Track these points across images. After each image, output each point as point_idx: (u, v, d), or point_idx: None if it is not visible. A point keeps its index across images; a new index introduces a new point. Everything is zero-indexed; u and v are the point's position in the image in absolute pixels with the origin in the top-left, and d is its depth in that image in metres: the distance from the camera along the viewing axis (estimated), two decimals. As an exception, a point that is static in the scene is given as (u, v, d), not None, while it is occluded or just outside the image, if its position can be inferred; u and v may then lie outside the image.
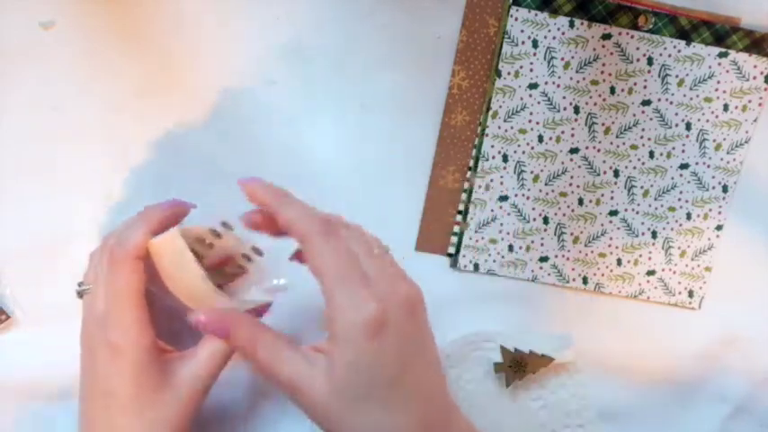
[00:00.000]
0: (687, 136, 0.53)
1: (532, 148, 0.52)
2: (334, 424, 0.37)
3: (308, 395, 0.37)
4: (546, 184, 0.52)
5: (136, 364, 0.40)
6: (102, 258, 0.42)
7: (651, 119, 0.52)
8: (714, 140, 0.53)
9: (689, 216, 0.54)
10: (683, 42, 0.51)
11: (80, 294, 0.43)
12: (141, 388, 0.41)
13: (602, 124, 0.52)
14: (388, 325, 0.36)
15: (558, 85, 0.51)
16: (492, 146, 0.52)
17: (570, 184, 0.52)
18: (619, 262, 0.54)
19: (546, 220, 0.53)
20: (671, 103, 0.52)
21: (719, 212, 0.54)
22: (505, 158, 0.52)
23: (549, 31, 0.50)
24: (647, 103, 0.52)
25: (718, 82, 0.52)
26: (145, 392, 0.41)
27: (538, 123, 0.52)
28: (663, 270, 0.54)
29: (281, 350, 0.38)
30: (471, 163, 0.52)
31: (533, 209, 0.53)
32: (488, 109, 0.51)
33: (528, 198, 0.53)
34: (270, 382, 0.39)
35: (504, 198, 0.52)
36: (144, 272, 0.42)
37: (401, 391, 0.37)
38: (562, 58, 0.51)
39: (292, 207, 0.39)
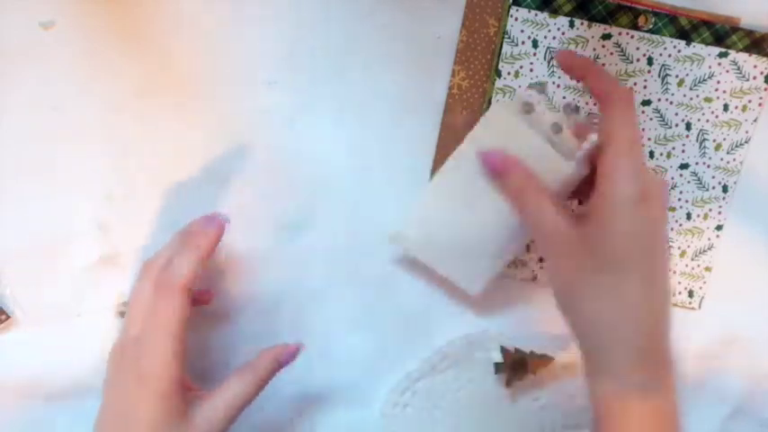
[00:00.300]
0: (687, 136, 0.53)
1: (532, 148, 0.52)
2: (580, 288, 0.41)
3: (564, 255, 0.41)
4: (546, 184, 0.52)
5: (161, 395, 0.41)
6: (146, 282, 0.42)
7: (651, 119, 0.52)
8: (714, 140, 0.53)
9: (689, 216, 0.54)
10: (683, 42, 0.51)
11: (122, 314, 0.43)
12: (161, 419, 0.41)
13: (602, 124, 0.52)
14: (650, 200, 0.40)
15: (558, 86, 0.51)
16: (492, 146, 0.52)
17: (570, 184, 0.52)
18: (619, 262, 0.54)
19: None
20: (671, 103, 0.52)
21: (719, 212, 0.54)
22: (505, 158, 0.52)
23: (549, 31, 0.50)
24: (647, 103, 0.52)
25: (718, 82, 0.52)
26: (164, 424, 0.41)
27: (538, 123, 0.52)
28: (663, 270, 0.54)
29: (546, 203, 0.42)
30: (471, 163, 0.52)
31: (533, 209, 0.53)
32: (488, 109, 0.51)
33: (528, 198, 0.53)
34: (528, 230, 0.43)
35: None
36: (189, 304, 0.42)
37: (643, 264, 0.40)
38: (562, 58, 0.51)
39: (602, 70, 0.44)
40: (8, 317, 0.48)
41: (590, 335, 0.41)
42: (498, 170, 0.44)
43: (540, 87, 0.49)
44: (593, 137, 0.43)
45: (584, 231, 0.41)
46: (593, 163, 0.43)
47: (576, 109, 0.49)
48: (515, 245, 0.49)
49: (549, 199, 0.42)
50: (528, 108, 0.45)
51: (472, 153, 0.46)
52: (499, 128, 0.46)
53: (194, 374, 0.50)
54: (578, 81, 0.46)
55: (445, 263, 0.50)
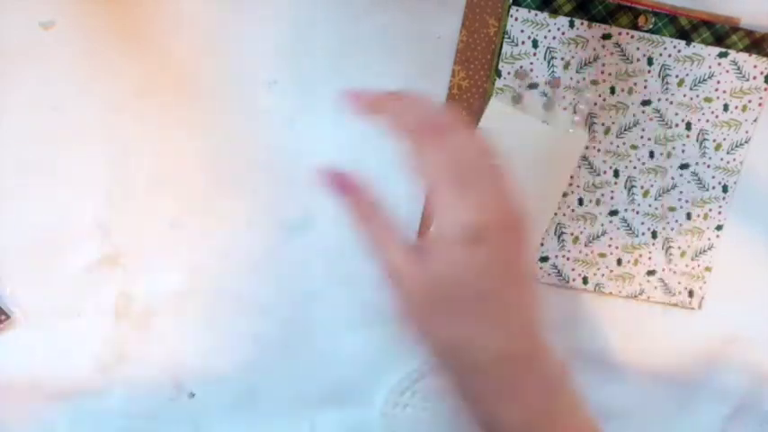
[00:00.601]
0: (687, 136, 0.53)
1: (532, 148, 0.52)
2: (421, 321, 0.37)
3: (407, 285, 0.37)
4: (546, 184, 0.53)
5: None
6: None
7: (651, 119, 0.52)
8: (714, 140, 0.53)
9: (689, 216, 0.54)
10: (683, 42, 0.51)
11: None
12: None
13: (602, 124, 0.52)
14: (487, 237, 0.35)
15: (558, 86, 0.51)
16: (492, 146, 0.52)
17: (570, 184, 0.52)
18: (619, 262, 0.54)
19: (546, 220, 0.53)
20: (671, 103, 0.52)
21: (719, 212, 0.54)
22: (505, 158, 0.52)
23: (549, 31, 0.50)
24: (647, 103, 0.52)
25: (718, 82, 0.52)
26: None
27: (538, 123, 0.52)
28: (663, 270, 0.54)
29: (391, 232, 0.38)
30: (471, 163, 0.52)
31: (533, 209, 0.53)
32: (484, 111, 0.51)
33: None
34: (376, 260, 0.38)
35: (504, 198, 0.53)
36: None
37: (489, 308, 0.36)
38: (562, 58, 0.51)
39: (397, 104, 0.38)
40: (8, 317, 0.48)
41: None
42: (344, 195, 0.40)
43: (521, 73, 0.49)
44: (581, 105, 0.43)
45: (424, 259, 0.36)
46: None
47: (557, 82, 0.50)
48: (544, 229, 0.49)
49: (393, 226, 0.38)
50: (517, 97, 0.46)
51: None
52: (499, 124, 0.47)
53: (193, 375, 0.50)
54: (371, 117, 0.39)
55: None
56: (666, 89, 0.52)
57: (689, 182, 0.53)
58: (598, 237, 0.53)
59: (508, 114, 0.50)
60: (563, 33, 0.50)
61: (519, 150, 0.51)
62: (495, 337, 0.36)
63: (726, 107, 0.52)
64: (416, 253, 0.37)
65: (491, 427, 0.38)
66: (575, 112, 0.49)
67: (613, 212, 0.53)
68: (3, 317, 0.48)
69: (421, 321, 0.37)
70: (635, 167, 0.53)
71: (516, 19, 0.50)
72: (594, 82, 0.51)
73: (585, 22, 0.50)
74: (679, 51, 0.51)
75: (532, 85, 0.51)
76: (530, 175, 0.51)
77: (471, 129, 0.38)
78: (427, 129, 0.36)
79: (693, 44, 0.51)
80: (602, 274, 0.54)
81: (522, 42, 0.50)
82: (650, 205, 0.53)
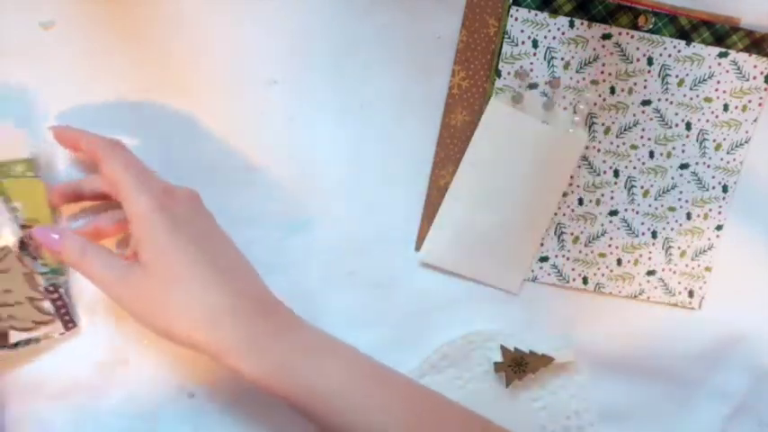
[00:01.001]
0: (687, 136, 0.53)
1: (532, 148, 0.52)
2: (158, 310, 0.42)
3: (127, 286, 0.42)
4: (546, 184, 0.53)
5: None
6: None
7: (651, 119, 0.52)
8: (714, 140, 0.53)
9: (689, 216, 0.54)
10: (683, 42, 0.51)
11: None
12: None
13: (602, 124, 0.52)
14: (174, 199, 0.43)
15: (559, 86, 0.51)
16: (492, 146, 0.52)
17: (570, 184, 0.52)
18: (619, 262, 0.54)
19: (546, 220, 0.53)
20: (671, 103, 0.52)
21: (719, 212, 0.54)
22: (505, 158, 0.52)
23: (549, 31, 0.50)
24: (647, 103, 0.52)
25: (718, 82, 0.52)
26: None
27: (538, 123, 0.52)
28: (663, 270, 0.54)
29: (94, 251, 0.43)
30: (471, 163, 0.52)
31: (533, 209, 0.53)
32: (485, 111, 0.51)
33: (528, 198, 0.53)
34: (93, 283, 0.43)
35: (504, 198, 0.53)
36: None
37: (207, 272, 0.42)
38: (562, 58, 0.51)
39: (86, 136, 0.46)
40: (75, 325, 0.48)
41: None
42: (54, 248, 0.44)
43: (521, 74, 0.49)
44: (581, 105, 0.45)
45: (134, 252, 0.43)
46: None
47: (557, 82, 0.50)
48: (544, 229, 0.49)
49: (99, 256, 0.43)
50: (518, 97, 0.46)
51: (482, 155, 0.49)
52: (498, 125, 0.48)
53: (193, 375, 0.50)
54: (75, 151, 0.47)
55: (481, 269, 0.51)
56: (666, 89, 0.52)
57: (689, 182, 0.53)
58: (598, 237, 0.53)
59: (508, 114, 0.50)
60: (563, 33, 0.50)
61: (519, 150, 0.51)
62: (224, 300, 0.43)
63: (726, 107, 0.52)
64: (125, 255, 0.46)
65: None
66: (575, 113, 0.49)
67: (613, 212, 0.53)
68: (70, 325, 0.48)
69: (157, 309, 0.43)
70: (635, 167, 0.53)
71: (516, 19, 0.50)
72: (594, 82, 0.51)
73: (585, 22, 0.50)
74: (679, 51, 0.51)
75: (532, 85, 0.51)
76: (530, 175, 0.51)
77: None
78: (108, 147, 0.45)
79: (693, 44, 0.51)
80: (602, 274, 0.54)
81: (522, 42, 0.50)
82: (650, 205, 0.53)
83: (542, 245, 0.53)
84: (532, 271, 0.53)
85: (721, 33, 0.51)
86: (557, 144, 0.51)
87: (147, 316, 0.43)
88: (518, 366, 0.52)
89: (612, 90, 0.51)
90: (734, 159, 0.53)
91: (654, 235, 0.54)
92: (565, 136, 0.51)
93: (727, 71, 0.52)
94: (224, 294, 0.42)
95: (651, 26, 0.51)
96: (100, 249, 0.44)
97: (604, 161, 0.52)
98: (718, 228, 0.54)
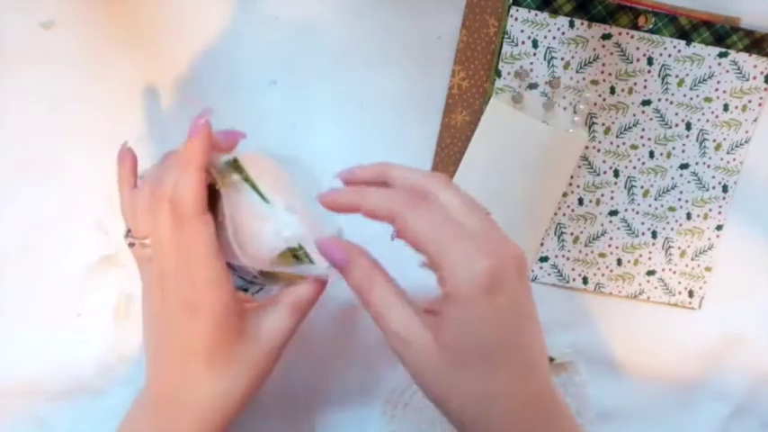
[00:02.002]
0: (687, 136, 0.53)
1: (532, 148, 0.52)
2: (440, 387, 0.36)
3: (416, 353, 0.36)
4: (546, 184, 0.53)
5: (215, 320, 0.38)
6: (160, 211, 0.38)
7: (651, 119, 0.52)
8: (714, 140, 0.53)
9: (689, 216, 0.54)
10: (682, 42, 0.51)
11: (132, 245, 0.41)
12: (221, 342, 0.39)
13: (602, 124, 0.52)
14: (503, 283, 0.35)
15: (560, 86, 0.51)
16: (492, 146, 0.52)
17: (570, 184, 0.52)
18: (619, 262, 0.54)
19: (546, 220, 0.53)
20: (671, 103, 0.52)
21: (719, 212, 0.54)
22: (505, 158, 0.52)
23: (549, 31, 0.50)
24: (647, 103, 0.52)
25: (719, 82, 0.52)
26: (225, 347, 0.39)
27: (538, 123, 0.52)
28: (663, 270, 0.54)
29: (394, 298, 0.37)
30: (471, 163, 0.52)
31: (533, 209, 0.53)
32: (485, 110, 0.51)
33: (528, 198, 0.53)
34: (379, 328, 0.38)
35: (504, 198, 0.53)
36: (212, 221, 0.39)
37: (512, 357, 0.36)
38: (562, 58, 0.51)
39: (369, 196, 0.38)
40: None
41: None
42: (339, 264, 0.39)
43: (521, 73, 0.49)
44: (581, 105, 0.45)
45: (435, 324, 0.36)
46: None
47: (557, 82, 0.50)
48: (544, 229, 0.50)
49: (395, 292, 0.38)
50: (518, 97, 0.46)
51: (481, 155, 0.49)
52: (498, 125, 0.48)
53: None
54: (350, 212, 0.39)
55: None
56: (666, 89, 0.52)
57: (689, 182, 0.53)
58: (598, 237, 0.53)
59: (508, 114, 0.50)
60: (563, 33, 0.50)
61: (519, 150, 0.51)
62: (521, 383, 0.36)
63: (726, 107, 0.52)
64: (424, 318, 0.37)
65: None
66: (575, 113, 0.49)
67: (613, 212, 0.53)
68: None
69: (439, 386, 0.37)
70: (635, 167, 0.53)
71: (516, 19, 0.50)
72: (594, 82, 0.51)
73: (585, 22, 0.50)
74: (679, 51, 0.51)
75: (532, 85, 0.51)
76: (530, 175, 0.51)
77: (447, 183, 0.38)
78: (409, 203, 0.36)
79: (693, 44, 0.51)
80: (603, 274, 0.54)
81: (522, 42, 0.50)
82: (650, 205, 0.53)
83: (542, 245, 0.53)
84: (532, 271, 0.53)
85: (721, 33, 0.51)
86: (557, 144, 0.51)
87: (424, 383, 0.37)
88: (518, 366, 0.52)
89: (612, 90, 0.51)
90: (734, 159, 0.53)
91: (654, 235, 0.54)
92: (565, 136, 0.51)
93: (727, 71, 0.52)
94: (514, 394, 0.36)
95: (651, 26, 0.51)
96: (392, 289, 0.38)
97: (604, 161, 0.52)
98: (718, 228, 0.54)
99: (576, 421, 0.39)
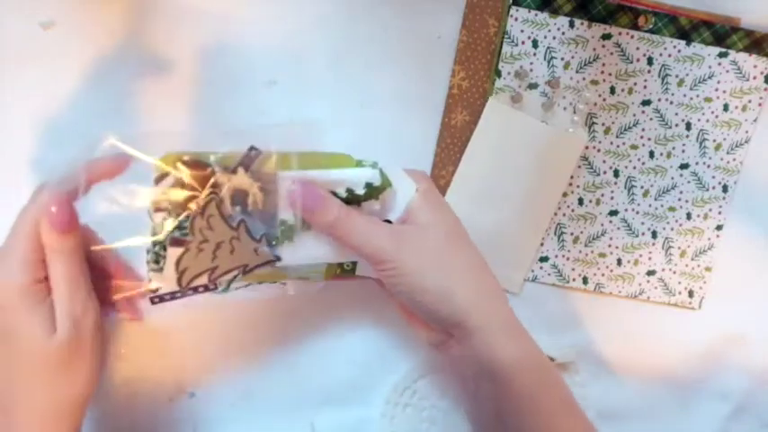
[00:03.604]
0: (687, 136, 0.53)
1: (532, 148, 0.52)
2: (435, 265, 0.43)
3: (399, 242, 0.42)
4: (546, 184, 0.53)
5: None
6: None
7: (651, 119, 0.52)
8: (714, 140, 0.53)
9: (689, 216, 0.54)
10: (683, 42, 0.51)
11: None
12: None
13: (602, 124, 0.52)
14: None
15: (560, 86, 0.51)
16: (492, 146, 0.52)
17: (570, 184, 0.52)
18: (619, 262, 0.54)
19: (546, 220, 0.53)
20: (671, 103, 0.52)
21: (719, 212, 0.54)
22: (505, 158, 0.52)
23: (549, 31, 0.50)
24: (647, 103, 0.52)
25: (719, 82, 0.52)
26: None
27: (538, 123, 0.52)
28: (663, 270, 0.54)
29: (360, 221, 0.42)
30: (471, 163, 0.52)
31: (533, 209, 0.53)
32: (484, 110, 0.51)
33: (528, 198, 0.53)
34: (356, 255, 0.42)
35: (504, 198, 0.53)
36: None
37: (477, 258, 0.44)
38: (562, 58, 0.51)
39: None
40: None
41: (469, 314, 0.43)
42: (310, 206, 0.41)
43: (521, 73, 0.49)
44: (580, 105, 0.46)
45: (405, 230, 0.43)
46: None
47: (557, 82, 0.50)
48: (544, 229, 0.50)
49: (362, 218, 0.42)
50: (517, 97, 0.47)
51: (481, 155, 0.49)
52: (497, 125, 0.49)
53: (193, 375, 0.50)
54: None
55: None
56: (666, 89, 0.52)
57: (689, 182, 0.53)
58: (598, 237, 0.53)
59: (507, 114, 0.50)
60: (563, 33, 0.50)
61: (518, 150, 0.51)
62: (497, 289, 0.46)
63: (726, 107, 0.52)
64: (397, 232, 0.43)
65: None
66: (574, 113, 0.49)
67: (613, 212, 0.53)
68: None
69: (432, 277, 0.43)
70: (635, 167, 0.53)
71: (516, 19, 0.50)
72: (594, 82, 0.51)
73: (585, 22, 0.50)
74: (679, 51, 0.51)
75: (532, 86, 0.51)
76: (529, 174, 0.51)
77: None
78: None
79: (693, 44, 0.51)
80: (603, 274, 0.54)
81: (522, 42, 0.50)
82: (650, 205, 0.53)
83: (542, 245, 0.53)
84: (532, 271, 0.53)
85: (721, 33, 0.51)
86: (556, 144, 0.51)
87: (426, 269, 0.42)
88: (518, 366, 0.52)
89: (612, 90, 0.51)
90: (734, 159, 0.53)
91: (654, 235, 0.54)
92: (564, 136, 0.51)
93: (727, 71, 0.52)
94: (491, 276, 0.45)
95: (651, 26, 0.51)
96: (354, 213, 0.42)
97: (604, 161, 0.52)
98: (718, 228, 0.54)
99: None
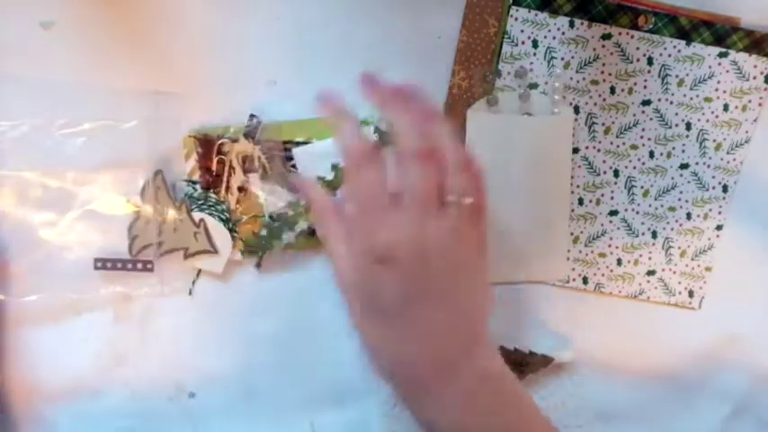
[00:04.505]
0: (687, 136, 0.53)
1: (532, 148, 0.52)
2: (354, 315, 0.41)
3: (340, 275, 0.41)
4: (546, 184, 0.53)
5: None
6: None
7: (651, 119, 0.52)
8: (714, 140, 0.53)
9: (689, 216, 0.54)
10: (683, 42, 0.51)
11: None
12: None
13: (602, 124, 0.52)
14: (396, 261, 0.38)
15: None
16: (492, 146, 0.52)
17: (570, 184, 0.52)
18: (619, 262, 0.54)
19: (546, 220, 0.53)
20: (671, 103, 0.52)
21: (719, 212, 0.54)
22: (505, 158, 0.52)
23: (549, 31, 0.50)
24: (647, 103, 0.52)
25: (719, 82, 0.52)
26: None
27: (538, 123, 0.52)
28: (663, 270, 0.54)
29: (336, 228, 0.42)
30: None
31: (533, 209, 0.53)
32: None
33: (528, 198, 0.53)
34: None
35: (504, 198, 0.53)
36: None
37: (407, 324, 0.39)
38: (562, 58, 0.51)
39: (343, 131, 0.42)
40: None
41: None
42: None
43: (521, 74, 0.49)
44: (555, 83, 0.47)
45: None
46: None
47: (525, 72, 0.50)
48: (568, 208, 0.51)
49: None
50: (492, 99, 0.47)
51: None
52: (483, 132, 0.49)
53: (193, 375, 0.50)
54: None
55: (523, 269, 0.51)
56: (666, 89, 0.52)
57: (689, 182, 0.53)
58: (598, 237, 0.53)
59: (488, 120, 0.50)
60: (563, 33, 0.50)
61: (514, 148, 0.51)
62: (419, 352, 0.40)
63: (726, 107, 0.52)
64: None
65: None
66: (554, 93, 0.49)
67: (613, 212, 0.53)
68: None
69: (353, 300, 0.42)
70: (635, 167, 0.53)
71: (516, 19, 0.50)
72: (594, 82, 0.51)
73: (585, 22, 0.50)
74: (679, 51, 0.51)
75: (532, 85, 0.51)
76: (533, 166, 0.51)
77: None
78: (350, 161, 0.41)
79: (693, 44, 0.51)
80: (603, 274, 0.54)
81: (522, 42, 0.50)
82: (650, 205, 0.53)
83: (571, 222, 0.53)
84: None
85: (721, 33, 0.51)
86: (547, 129, 0.51)
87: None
88: (518, 367, 0.52)
89: (612, 90, 0.51)
90: (734, 159, 0.53)
91: (654, 235, 0.54)
92: (552, 120, 0.51)
93: (727, 71, 0.52)
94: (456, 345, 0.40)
95: (651, 26, 0.51)
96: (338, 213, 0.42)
97: (604, 161, 0.52)
98: (718, 228, 0.54)
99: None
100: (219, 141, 0.47)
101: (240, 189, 0.47)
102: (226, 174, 0.47)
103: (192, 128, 0.48)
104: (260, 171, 0.46)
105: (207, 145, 0.47)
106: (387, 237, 0.38)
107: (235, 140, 0.46)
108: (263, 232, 0.48)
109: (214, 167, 0.47)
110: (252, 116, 0.45)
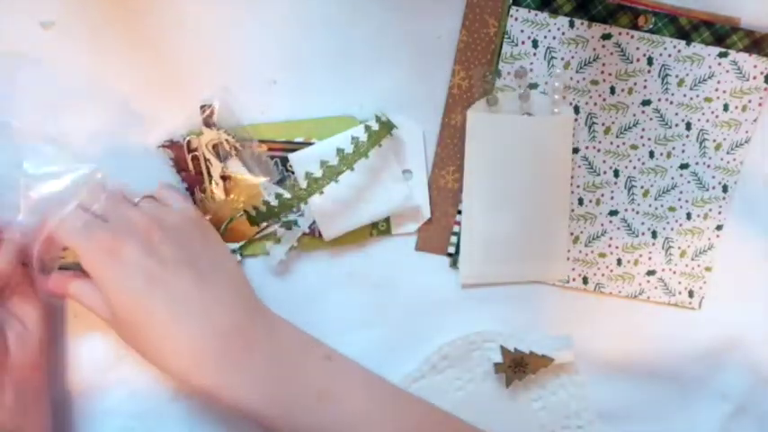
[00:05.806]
0: (687, 136, 0.53)
1: (532, 148, 0.52)
2: (126, 336, 0.45)
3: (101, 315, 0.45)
4: (546, 184, 0.53)
5: None
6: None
7: (651, 119, 0.52)
8: (714, 140, 0.53)
9: (689, 216, 0.54)
10: (683, 42, 0.51)
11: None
12: None
13: (602, 124, 0.52)
14: (121, 252, 0.43)
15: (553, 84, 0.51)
16: (492, 146, 0.52)
17: (570, 184, 0.52)
18: (619, 262, 0.54)
19: (546, 220, 0.53)
20: (671, 103, 0.52)
21: (719, 212, 0.54)
22: (505, 158, 0.52)
23: (549, 31, 0.50)
24: (647, 103, 0.52)
25: (719, 82, 0.52)
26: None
27: (538, 123, 0.52)
28: (663, 270, 0.54)
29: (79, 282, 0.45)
30: (471, 163, 0.52)
31: (533, 209, 0.53)
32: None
33: (528, 198, 0.53)
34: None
35: (504, 198, 0.53)
36: None
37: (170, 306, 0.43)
38: (562, 58, 0.51)
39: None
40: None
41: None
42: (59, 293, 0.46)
43: (521, 74, 0.49)
44: (555, 83, 0.48)
45: None
46: None
47: (525, 72, 0.50)
48: (568, 209, 0.51)
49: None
50: (492, 99, 0.48)
51: (481, 165, 0.50)
52: (484, 133, 0.49)
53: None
54: None
55: (524, 270, 0.52)
56: (666, 89, 0.52)
57: (689, 182, 0.53)
58: (598, 237, 0.53)
59: (488, 121, 0.50)
60: (563, 33, 0.50)
61: (514, 149, 0.51)
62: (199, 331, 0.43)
63: (726, 107, 0.52)
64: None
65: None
66: (554, 93, 0.49)
67: (613, 212, 0.53)
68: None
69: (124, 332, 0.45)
70: (635, 167, 0.53)
71: (516, 19, 0.50)
72: (594, 82, 0.51)
73: (585, 22, 0.50)
74: (679, 51, 0.51)
75: (532, 85, 0.51)
76: (533, 167, 0.51)
77: None
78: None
79: (693, 44, 0.51)
80: (603, 274, 0.54)
81: (522, 42, 0.50)
82: (650, 205, 0.53)
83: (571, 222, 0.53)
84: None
85: (721, 33, 0.51)
86: (547, 129, 0.51)
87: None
88: (518, 367, 0.52)
89: (612, 90, 0.51)
90: (734, 159, 0.53)
91: (654, 235, 0.54)
92: (552, 119, 0.51)
93: (727, 71, 0.52)
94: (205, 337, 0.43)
95: (651, 26, 0.51)
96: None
97: (604, 161, 0.52)
98: (718, 228, 0.54)
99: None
100: (186, 140, 0.48)
101: (224, 178, 0.48)
102: (204, 168, 0.48)
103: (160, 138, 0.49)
104: (233, 152, 0.48)
105: (177, 149, 0.48)
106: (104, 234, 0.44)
107: (199, 134, 0.48)
108: (274, 201, 0.48)
109: (191, 166, 0.48)
110: (203, 106, 0.48)
